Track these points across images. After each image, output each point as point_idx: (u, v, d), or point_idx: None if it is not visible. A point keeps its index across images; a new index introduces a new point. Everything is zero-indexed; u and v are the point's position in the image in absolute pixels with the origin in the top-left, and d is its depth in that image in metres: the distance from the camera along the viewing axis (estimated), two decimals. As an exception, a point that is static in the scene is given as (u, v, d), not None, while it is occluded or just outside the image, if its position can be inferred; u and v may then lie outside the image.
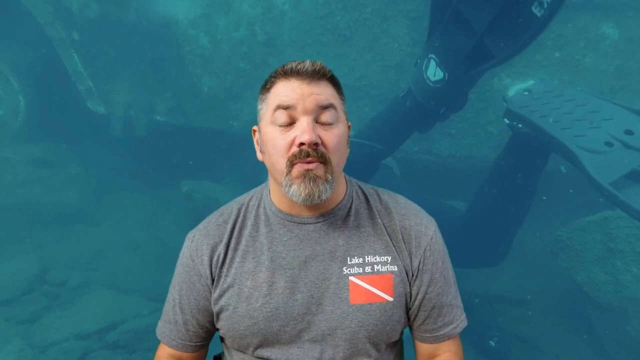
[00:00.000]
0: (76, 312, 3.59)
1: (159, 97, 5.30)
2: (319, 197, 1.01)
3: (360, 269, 1.07)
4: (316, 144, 1.00)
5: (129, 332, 3.40)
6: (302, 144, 0.99)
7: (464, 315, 1.15)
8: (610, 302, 3.38)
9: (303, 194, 1.00)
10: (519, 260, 4.10)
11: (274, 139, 1.02)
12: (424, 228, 1.12)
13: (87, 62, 5.36)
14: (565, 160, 3.05)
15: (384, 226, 1.11)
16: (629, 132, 2.90)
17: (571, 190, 3.65)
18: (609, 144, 2.87)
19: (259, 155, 1.12)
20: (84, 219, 4.99)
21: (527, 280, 4.12)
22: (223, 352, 1.23)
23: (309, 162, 1.00)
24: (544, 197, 3.60)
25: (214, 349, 1.27)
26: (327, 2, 4.39)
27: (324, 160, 1.01)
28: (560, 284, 3.92)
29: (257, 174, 4.14)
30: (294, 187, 1.01)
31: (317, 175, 1.00)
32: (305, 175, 1.00)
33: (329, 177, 1.02)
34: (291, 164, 1.01)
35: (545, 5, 2.65)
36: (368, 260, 1.08)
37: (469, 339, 3.57)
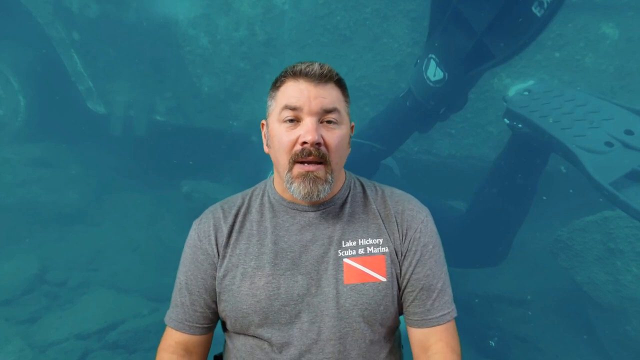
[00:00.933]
0: (76, 312, 3.59)
1: (159, 97, 5.30)
2: (317, 196, 1.09)
3: (354, 251, 1.14)
4: (318, 144, 1.07)
5: (129, 332, 3.40)
6: (305, 142, 1.07)
7: (454, 306, 1.18)
8: (610, 302, 3.38)
9: (303, 193, 1.09)
10: (519, 260, 4.10)
11: (280, 135, 1.10)
12: (416, 212, 1.19)
13: (87, 62, 5.36)
14: (565, 160, 3.05)
15: (378, 211, 1.19)
16: (629, 132, 2.90)
17: (571, 190, 3.65)
18: (609, 144, 2.87)
19: (265, 148, 1.19)
20: (84, 219, 4.99)
21: (527, 280, 4.12)
22: (224, 348, 1.24)
23: (310, 163, 1.08)
24: (544, 197, 3.60)
25: (214, 349, 1.27)
26: (327, 2, 4.39)
27: (324, 160, 1.08)
28: (560, 284, 3.92)
29: (257, 173, 4.14)
30: (295, 184, 1.09)
31: (317, 177, 1.09)
32: (306, 176, 1.08)
33: (329, 177, 1.10)
34: (293, 161, 1.08)
35: (545, 5, 2.65)
36: (361, 242, 1.15)
37: (469, 339, 3.57)
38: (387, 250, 1.14)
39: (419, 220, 1.17)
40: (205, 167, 5.37)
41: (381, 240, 1.15)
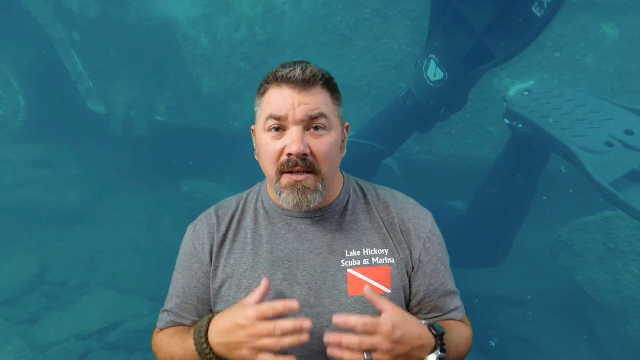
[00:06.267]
0: (76, 312, 3.59)
1: (159, 97, 5.30)
2: (307, 205, 1.05)
3: (358, 261, 1.09)
4: (304, 154, 1.02)
5: (129, 332, 3.40)
6: (290, 153, 1.02)
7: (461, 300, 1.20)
8: (610, 302, 3.38)
9: (292, 203, 1.05)
10: (519, 260, 4.10)
11: (266, 145, 1.05)
12: (422, 220, 1.15)
13: (87, 62, 5.36)
14: (565, 160, 3.05)
15: (382, 219, 1.14)
16: (629, 132, 2.90)
17: (571, 190, 3.65)
18: (609, 144, 2.87)
19: (256, 155, 1.15)
20: (84, 219, 4.99)
21: (527, 280, 4.12)
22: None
23: (297, 172, 1.03)
24: (544, 197, 3.60)
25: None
26: (327, 2, 4.39)
27: (312, 169, 1.04)
28: (560, 284, 3.92)
29: (257, 174, 4.14)
30: (284, 195, 1.05)
31: (305, 187, 1.04)
32: (294, 186, 1.04)
33: (319, 185, 1.05)
34: (280, 172, 1.04)
35: (545, 5, 2.65)
36: (365, 252, 1.10)
37: (469, 339, 3.56)
38: (393, 261, 1.10)
39: (426, 229, 1.14)
40: (205, 167, 5.37)
41: (387, 251, 1.10)
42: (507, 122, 3.32)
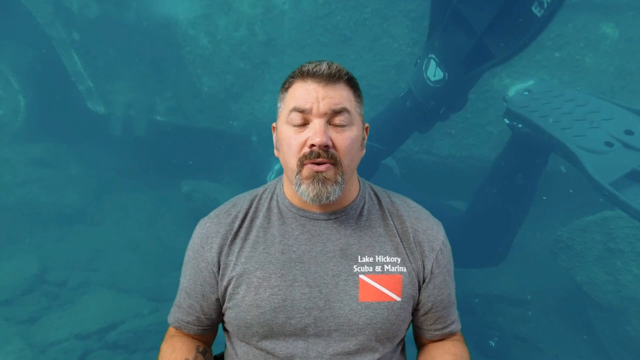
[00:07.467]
0: (76, 312, 3.59)
1: (159, 97, 5.31)
2: (327, 198, 1.05)
3: (371, 267, 1.09)
4: (327, 146, 1.03)
5: (129, 332, 3.40)
6: (313, 145, 1.03)
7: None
8: (610, 302, 3.38)
9: (311, 194, 1.04)
10: (519, 260, 4.10)
11: (288, 138, 1.06)
12: (435, 232, 1.15)
13: (87, 62, 5.36)
14: (565, 160, 3.05)
15: (396, 228, 1.14)
16: (629, 132, 2.90)
17: (571, 190, 3.65)
18: (609, 144, 2.87)
19: (276, 152, 1.15)
20: (84, 219, 4.99)
21: (527, 280, 4.12)
22: (225, 348, 1.23)
23: (319, 164, 1.04)
24: (544, 197, 3.60)
25: (215, 349, 1.27)
26: (327, 2, 4.39)
27: (334, 161, 1.04)
28: (560, 284, 3.92)
29: (257, 174, 4.14)
30: (303, 186, 1.05)
31: (326, 177, 1.04)
32: (315, 177, 1.04)
33: (339, 178, 1.05)
34: (302, 163, 1.04)
35: (545, 5, 2.65)
36: (378, 260, 1.10)
37: (469, 339, 3.56)
38: (404, 270, 1.10)
39: (439, 241, 1.15)
40: (205, 167, 5.37)
41: (399, 260, 1.11)
42: (507, 122, 3.32)
